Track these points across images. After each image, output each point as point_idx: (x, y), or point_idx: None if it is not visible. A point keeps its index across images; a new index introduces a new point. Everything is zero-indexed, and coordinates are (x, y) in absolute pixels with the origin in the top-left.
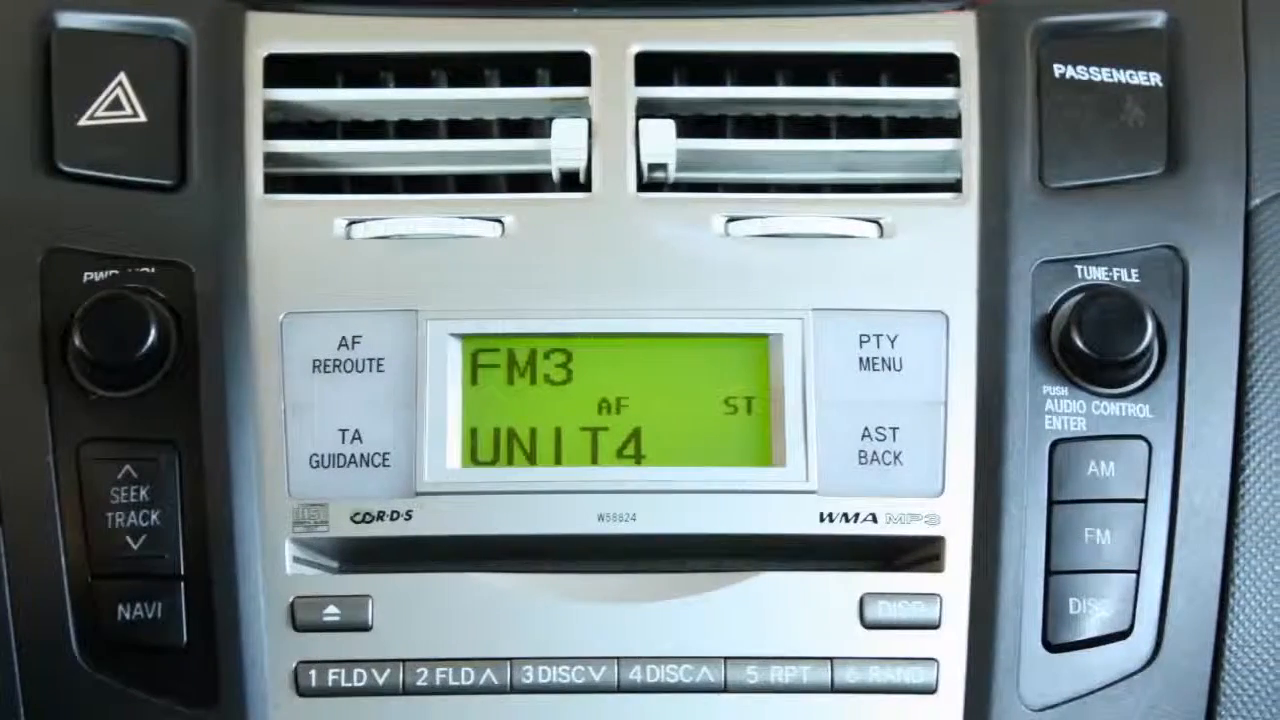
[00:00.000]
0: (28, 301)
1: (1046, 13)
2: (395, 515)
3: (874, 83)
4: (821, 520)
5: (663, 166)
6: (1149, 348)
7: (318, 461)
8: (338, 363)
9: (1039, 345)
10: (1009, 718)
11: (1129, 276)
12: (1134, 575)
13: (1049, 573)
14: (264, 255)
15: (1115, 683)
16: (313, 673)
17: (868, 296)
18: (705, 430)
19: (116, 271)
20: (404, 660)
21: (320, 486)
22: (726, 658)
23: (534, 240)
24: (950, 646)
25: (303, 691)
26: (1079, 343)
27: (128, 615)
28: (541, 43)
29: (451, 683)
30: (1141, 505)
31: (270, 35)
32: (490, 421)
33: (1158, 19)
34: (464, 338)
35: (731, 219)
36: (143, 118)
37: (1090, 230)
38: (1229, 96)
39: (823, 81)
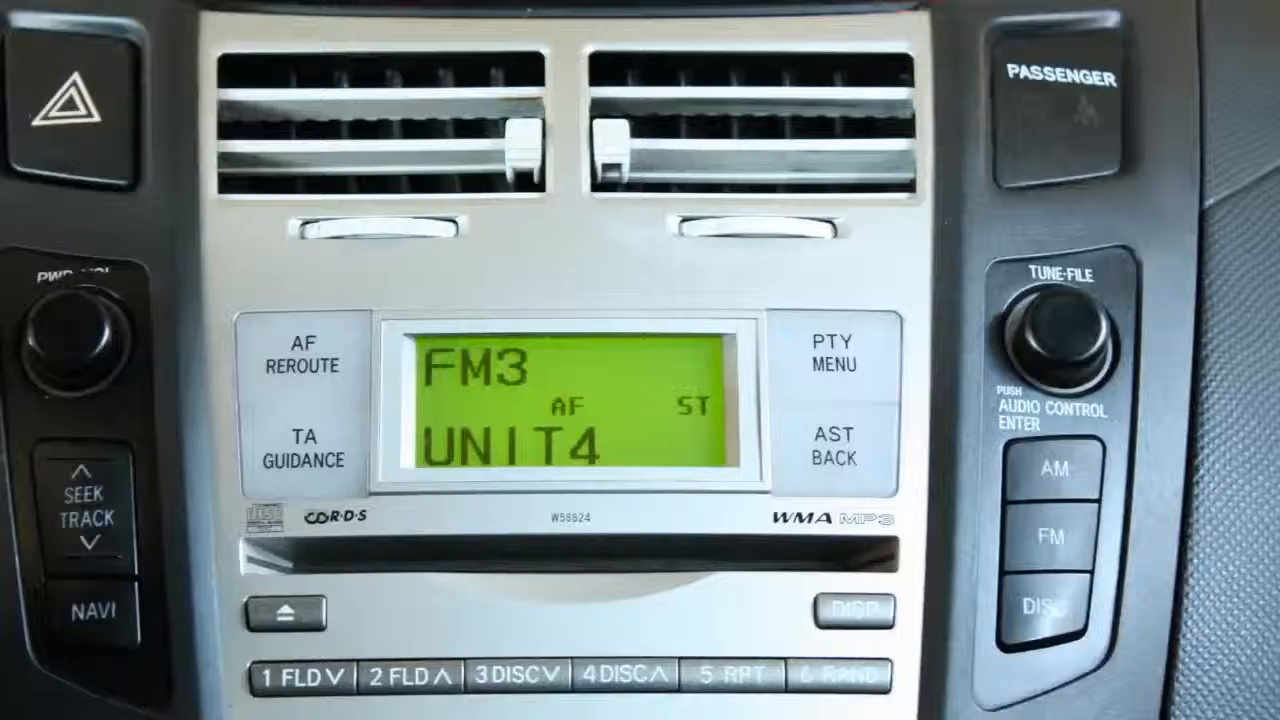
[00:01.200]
0: None
1: (1000, 13)
2: (349, 515)
3: (828, 83)
4: (775, 520)
5: (617, 166)
6: (1103, 348)
7: (272, 461)
8: (292, 363)
9: (993, 345)
10: (963, 718)
11: (1083, 276)
12: (1088, 575)
13: (1003, 573)
14: (218, 255)
15: (1069, 683)
16: (267, 673)
17: (822, 296)
18: (659, 430)
19: (70, 271)
20: (358, 660)
21: (274, 486)
22: (681, 658)
23: (488, 240)
24: (904, 646)
25: (257, 691)
26: (1033, 343)
27: (82, 615)
28: (495, 43)
29: (405, 683)
30: (1095, 505)
31: (224, 35)
32: (444, 421)
33: (1112, 19)
34: (418, 338)
35: (685, 219)
36: (97, 118)
37: (1044, 230)
38: (1183, 97)
39: (777, 81)
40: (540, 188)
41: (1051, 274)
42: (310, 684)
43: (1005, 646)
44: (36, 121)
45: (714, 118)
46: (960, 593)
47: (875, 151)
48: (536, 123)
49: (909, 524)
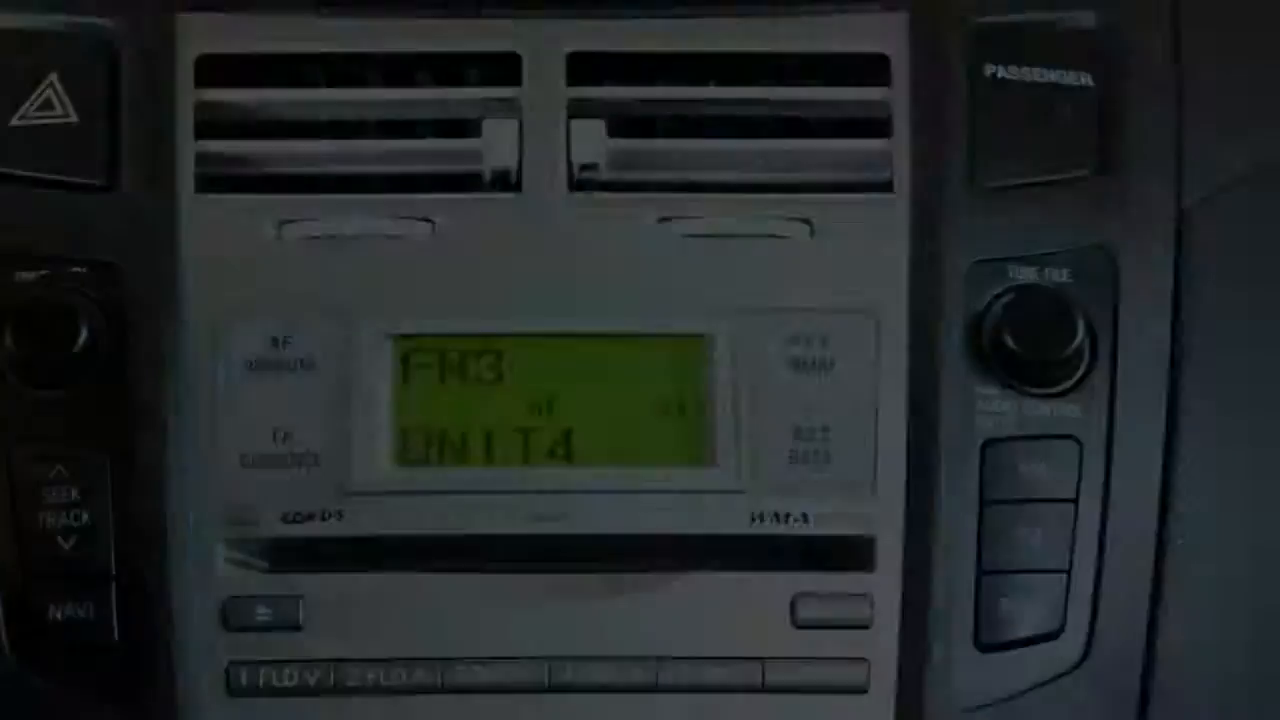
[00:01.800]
0: None
1: (977, 13)
2: (326, 515)
3: (805, 83)
4: (753, 520)
5: (594, 166)
6: (1080, 348)
7: (249, 462)
8: (269, 363)
9: (970, 345)
10: (940, 718)
11: (1060, 277)
12: (1065, 575)
13: (980, 573)
14: (195, 255)
15: (1047, 682)
16: (244, 672)
17: (799, 296)
18: (636, 430)
19: (48, 271)
20: (335, 660)
21: (251, 487)
22: (658, 658)
23: (465, 240)
24: (881, 646)
25: (234, 691)
26: (1010, 343)
27: (59, 615)
28: (472, 43)
29: (382, 682)
30: (1072, 505)
31: (201, 36)
32: (421, 422)
33: (1089, 19)
34: (395, 338)
35: (663, 219)
36: (74, 118)
37: (1021, 230)
38: (1160, 97)
39: (754, 82)
40: (517, 188)
41: (1029, 274)
42: (288, 684)
43: (982, 646)
44: (13, 121)
45: (691, 118)
46: (937, 593)
47: (852, 151)
48: (513, 123)
49: (886, 524)
